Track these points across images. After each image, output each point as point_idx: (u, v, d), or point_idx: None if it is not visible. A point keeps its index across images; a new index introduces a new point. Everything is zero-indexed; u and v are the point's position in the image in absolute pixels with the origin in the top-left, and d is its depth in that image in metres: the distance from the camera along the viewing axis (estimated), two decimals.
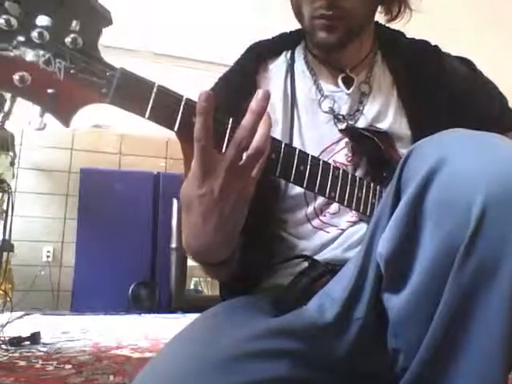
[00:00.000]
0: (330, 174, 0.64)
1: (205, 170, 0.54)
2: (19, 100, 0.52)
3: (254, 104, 0.54)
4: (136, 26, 3.38)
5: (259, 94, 0.54)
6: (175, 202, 3.92)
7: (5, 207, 2.43)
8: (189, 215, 0.59)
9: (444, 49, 0.88)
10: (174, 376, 0.49)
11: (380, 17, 0.84)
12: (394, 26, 0.86)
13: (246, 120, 0.54)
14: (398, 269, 0.46)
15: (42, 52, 0.50)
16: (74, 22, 0.51)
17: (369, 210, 0.68)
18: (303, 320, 0.57)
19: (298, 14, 0.77)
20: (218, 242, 0.61)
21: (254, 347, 0.51)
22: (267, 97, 0.54)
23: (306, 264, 0.71)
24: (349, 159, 0.77)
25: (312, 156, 0.63)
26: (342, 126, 0.79)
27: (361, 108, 0.80)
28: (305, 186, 0.62)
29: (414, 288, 0.45)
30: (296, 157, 0.61)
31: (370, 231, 0.52)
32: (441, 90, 0.81)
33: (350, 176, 0.66)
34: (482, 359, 0.41)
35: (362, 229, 0.74)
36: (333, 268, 0.65)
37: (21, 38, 0.49)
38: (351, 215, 0.75)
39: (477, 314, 0.41)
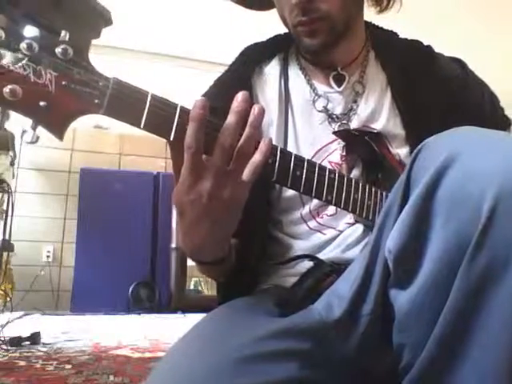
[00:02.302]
0: (326, 177, 0.64)
1: (194, 176, 0.54)
2: None
3: (234, 105, 0.54)
4: (136, 26, 3.38)
5: (239, 95, 0.54)
6: None
7: (5, 207, 2.43)
8: (181, 220, 0.60)
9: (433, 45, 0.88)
10: (183, 379, 0.49)
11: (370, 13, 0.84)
12: (382, 18, 0.86)
13: (228, 122, 0.54)
14: (407, 264, 0.46)
15: (32, 64, 0.49)
16: (63, 32, 0.50)
17: (365, 212, 0.68)
18: (311, 319, 0.56)
19: (286, 25, 0.79)
20: (210, 244, 0.61)
21: (262, 349, 0.51)
22: (246, 98, 0.54)
23: (305, 264, 0.71)
24: (344, 159, 0.77)
25: (308, 160, 0.63)
26: (336, 125, 0.79)
27: (355, 107, 0.80)
28: (301, 190, 0.62)
29: (423, 283, 0.45)
30: (292, 161, 0.61)
31: (378, 227, 0.52)
32: (434, 89, 0.81)
33: (345, 178, 0.66)
34: (490, 355, 0.40)
35: (359, 229, 0.74)
36: (338, 268, 0.65)
37: (9, 50, 0.48)
38: (349, 217, 0.75)
39: (486, 310, 0.40)
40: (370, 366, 0.54)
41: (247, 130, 0.55)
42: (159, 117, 0.53)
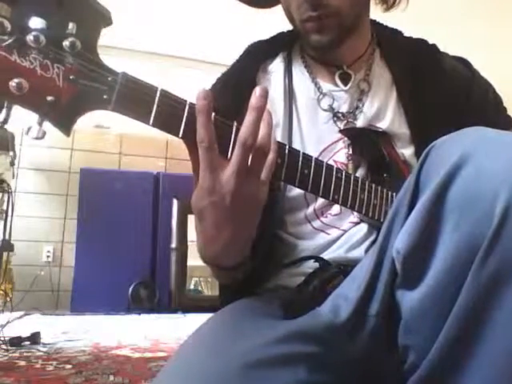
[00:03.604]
0: (334, 176, 0.64)
1: (213, 176, 0.53)
2: (1, 121, 0.50)
3: (253, 101, 0.53)
4: (136, 25, 3.38)
5: (257, 90, 0.53)
6: (175, 202, 3.93)
7: (5, 207, 2.43)
8: (202, 224, 0.58)
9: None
10: None
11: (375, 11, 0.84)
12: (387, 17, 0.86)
13: (248, 118, 0.53)
14: (416, 264, 0.46)
15: (39, 57, 0.47)
16: (71, 25, 0.49)
17: (371, 212, 0.68)
18: (319, 322, 0.56)
19: (291, 21, 0.78)
20: (233, 248, 0.60)
21: (270, 353, 0.50)
22: (265, 93, 0.53)
23: (310, 264, 0.71)
24: (350, 158, 0.77)
25: (315, 159, 0.62)
26: (342, 124, 0.79)
27: (360, 106, 0.80)
28: (309, 189, 0.62)
29: (431, 284, 0.44)
30: (300, 160, 0.60)
31: (386, 228, 0.52)
32: (439, 88, 0.81)
33: (352, 178, 0.66)
34: (498, 359, 0.40)
35: (363, 229, 0.74)
36: (344, 269, 0.65)
37: (16, 42, 0.46)
38: (353, 216, 0.75)
39: (496, 314, 0.40)
40: (376, 367, 0.54)
41: (264, 127, 0.54)
42: (168, 113, 0.52)
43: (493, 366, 0.40)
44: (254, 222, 0.59)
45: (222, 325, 0.61)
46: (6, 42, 0.46)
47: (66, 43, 0.49)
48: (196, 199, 0.57)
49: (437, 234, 0.44)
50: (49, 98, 0.49)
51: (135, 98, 0.51)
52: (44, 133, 0.50)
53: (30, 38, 0.47)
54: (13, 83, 0.46)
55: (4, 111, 0.50)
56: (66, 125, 0.50)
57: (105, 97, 0.51)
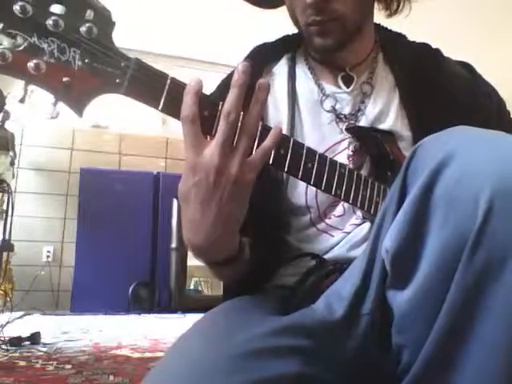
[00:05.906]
0: (337, 171, 0.64)
1: (197, 152, 0.54)
2: (18, 100, 0.52)
3: (235, 78, 0.54)
4: (136, 25, 3.38)
5: (239, 67, 0.55)
6: (175, 202, 3.93)
7: (5, 207, 2.43)
8: (187, 208, 0.57)
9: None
10: (186, 374, 0.49)
11: (379, 14, 0.85)
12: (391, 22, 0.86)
13: (230, 94, 0.54)
14: (404, 264, 0.46)
15: (57, 40, 0.51)
16: (88, 11, 0.52)
17: (373, 209, 0.68)
18: (312, 318, 0.57)
19: (296, 23, 0.78)
20: (218, 234, 0.58)
21: (264, 345, 0.51)
22: (247, 69, 0.55)
23: (310, 264, 0.71)
24: (351, 159, 0.77)
25: (319, 154, 0.63)
26: (344, 126, 0.79)
27: (362, 108, 0.80)
28: (312, 182, 0.62)
29: (420, 283, 0.45)
30: (304, 153, 0.61)
31: (376, 228, 0.52)
32: (441, 92, 0.81)
33: (355, 174, 0.66)
34: (488, 355, 0.40)
35: (365, 228, 0.74)
36: (340, 266, 0.65)
37: (36, 26, 0.50)
38: (355, 217, 0.75)
39: (484, 309, 0.40)
40: (371, 367, 0.54)
41: (251, 105, 0.55)
42: (178, 100, 0.54)
43: (485, 362, 0.40)
44: (239, 210, 0.58)
45: (218, 319, 0.62)
46: (28, 26, 0.49)
47: (83, 29, 0.52)
48: (181, 183, 0.57)
49: (423, 232, 0.44)
50: (64, 79, 0.52)
51: (146, 84, 0.54)
52: (58, 113, 0.53)
53: (49, 22, 0.50)
54: (31, 64, 0.50)
55: (22, 92, 0.53)
56: (79, 106, 0.53)
57: (117, 81, 0.53)
